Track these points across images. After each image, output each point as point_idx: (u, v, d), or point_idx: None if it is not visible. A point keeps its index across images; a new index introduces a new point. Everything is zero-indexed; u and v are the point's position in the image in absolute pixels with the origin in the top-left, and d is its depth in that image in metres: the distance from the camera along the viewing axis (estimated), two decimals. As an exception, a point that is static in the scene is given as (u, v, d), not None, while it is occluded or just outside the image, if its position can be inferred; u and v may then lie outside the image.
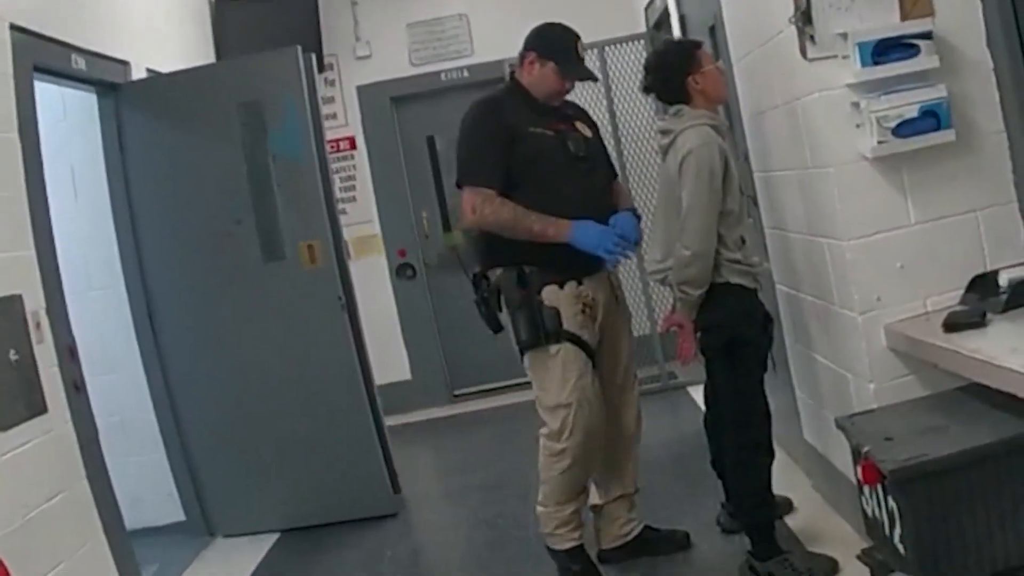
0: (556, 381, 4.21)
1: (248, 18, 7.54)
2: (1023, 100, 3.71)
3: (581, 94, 5.99)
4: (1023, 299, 3.48)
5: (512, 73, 4.58)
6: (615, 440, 4.52)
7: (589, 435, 4.25)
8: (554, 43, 4.39)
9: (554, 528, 4.40)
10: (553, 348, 4.20)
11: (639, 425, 4.64)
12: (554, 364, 4.21)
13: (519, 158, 4.23)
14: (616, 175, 4.70)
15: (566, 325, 4.20)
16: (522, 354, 4.31)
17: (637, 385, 4.68)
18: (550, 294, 4.21)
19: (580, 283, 4.28)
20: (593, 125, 4.61)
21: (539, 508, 4.44)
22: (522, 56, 4.42)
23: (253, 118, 5.76)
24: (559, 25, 4.48)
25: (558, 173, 4.26)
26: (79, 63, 5.24)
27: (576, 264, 4.24)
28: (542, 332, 4.19)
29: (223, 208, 5.78)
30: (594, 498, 4.60)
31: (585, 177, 4.35)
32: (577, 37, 4.46)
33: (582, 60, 4.49)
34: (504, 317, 4.32)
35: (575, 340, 4.22)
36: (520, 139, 4.24)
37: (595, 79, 4.74)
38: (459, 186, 4.33)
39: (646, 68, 4.50)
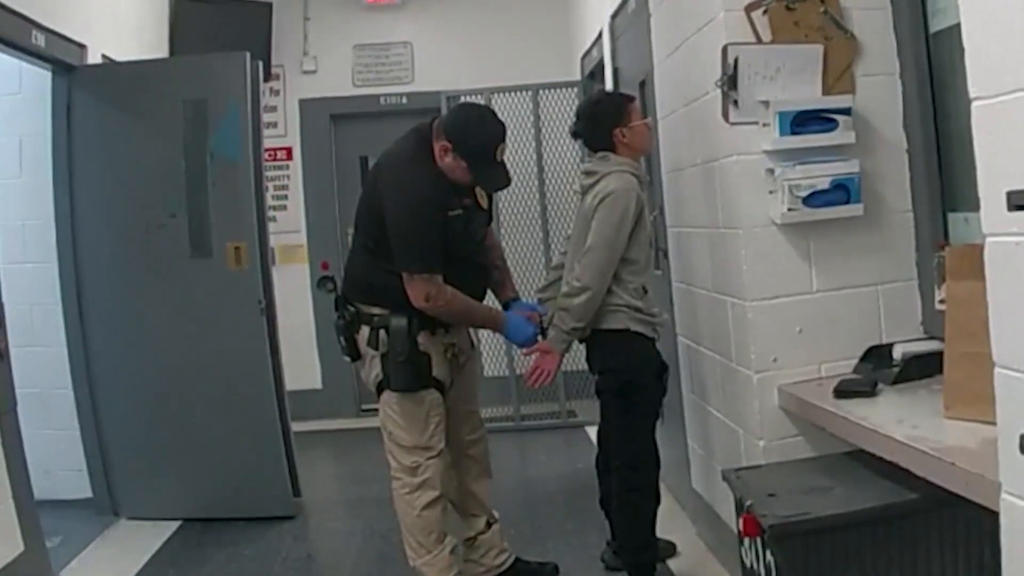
0: (420, 424, 4.11)
1: (205, 19, 7.45)
2: (932, 181, 3.73)
3: (512, 134, 5.90)
4: (914, 373, 3.50)
5: (430, 129, 4.07)
6: (472, 471, 4.48)
7: (441, 475, 4.17)
8: (472, 148, 3.97)
9: None
10: (423, 393, 4.11)
11: (488, 456, 4.56)
12: (421, 408, 4.11)
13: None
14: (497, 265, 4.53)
15: (435, 372, 4.13)
16: (380, 392, 4.16)
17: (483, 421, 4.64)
18: (423, 339, 4.09)
19: (447, 331, 4.20)
20: (490, 194, 4.36)
21: (417, 563, 4.16)
22: (438, 133, 4.02)
23: (197, 116, 5.68)
24: (484, 125, 4.05)
25: (456, 257, 4.04)
26: (39, 39, 5.16)
27: None
28: (422, 379, 4.10)
29: (159, 200, 5.67)
30: (467, 531, 4.47)
31: (472, 262, 4.23)
32: (499, 142, 4.02)
33: (500, 163, 4.05)
34: (363, 345, 4.15)
35: (439, 386, 4.16)
36: (443, 222, 4.00)
37: (506, 186, 4.23)
38: (406, 271, 3.97)
39: (577, 115, 4.47)
